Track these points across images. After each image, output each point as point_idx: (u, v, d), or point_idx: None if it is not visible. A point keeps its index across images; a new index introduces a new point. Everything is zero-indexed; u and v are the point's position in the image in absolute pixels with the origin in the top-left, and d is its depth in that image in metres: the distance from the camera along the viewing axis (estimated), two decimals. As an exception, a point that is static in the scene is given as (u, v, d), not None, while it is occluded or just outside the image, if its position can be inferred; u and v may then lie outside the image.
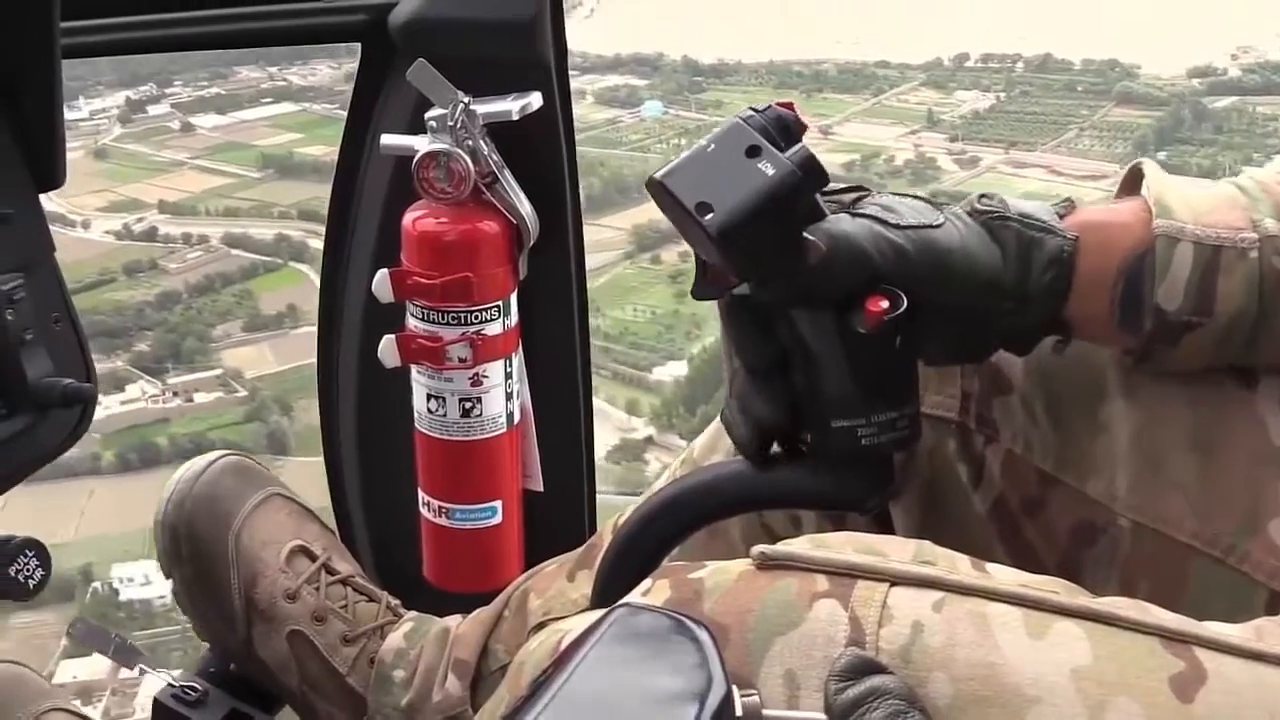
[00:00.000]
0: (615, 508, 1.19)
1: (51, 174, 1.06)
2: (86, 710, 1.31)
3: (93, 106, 5.69)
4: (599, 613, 0.60)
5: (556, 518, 1.50)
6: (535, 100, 1.33)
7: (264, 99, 5.76)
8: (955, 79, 6.50)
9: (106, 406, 4.61)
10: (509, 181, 1.31)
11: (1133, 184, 0.84)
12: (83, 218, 5.50)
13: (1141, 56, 6.05)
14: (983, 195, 0.82)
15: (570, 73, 1.41)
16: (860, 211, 0.78)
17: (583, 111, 6.27)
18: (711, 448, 1.06)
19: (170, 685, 1.30)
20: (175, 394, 4.77)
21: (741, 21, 7.01)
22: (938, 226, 0.78)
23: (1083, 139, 5.96)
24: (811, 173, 0.74)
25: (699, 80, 6.43)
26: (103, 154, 5.79)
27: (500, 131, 1.30)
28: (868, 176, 5.69)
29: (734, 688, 0.53)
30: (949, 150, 6.03)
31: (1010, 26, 6.75)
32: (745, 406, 0.81)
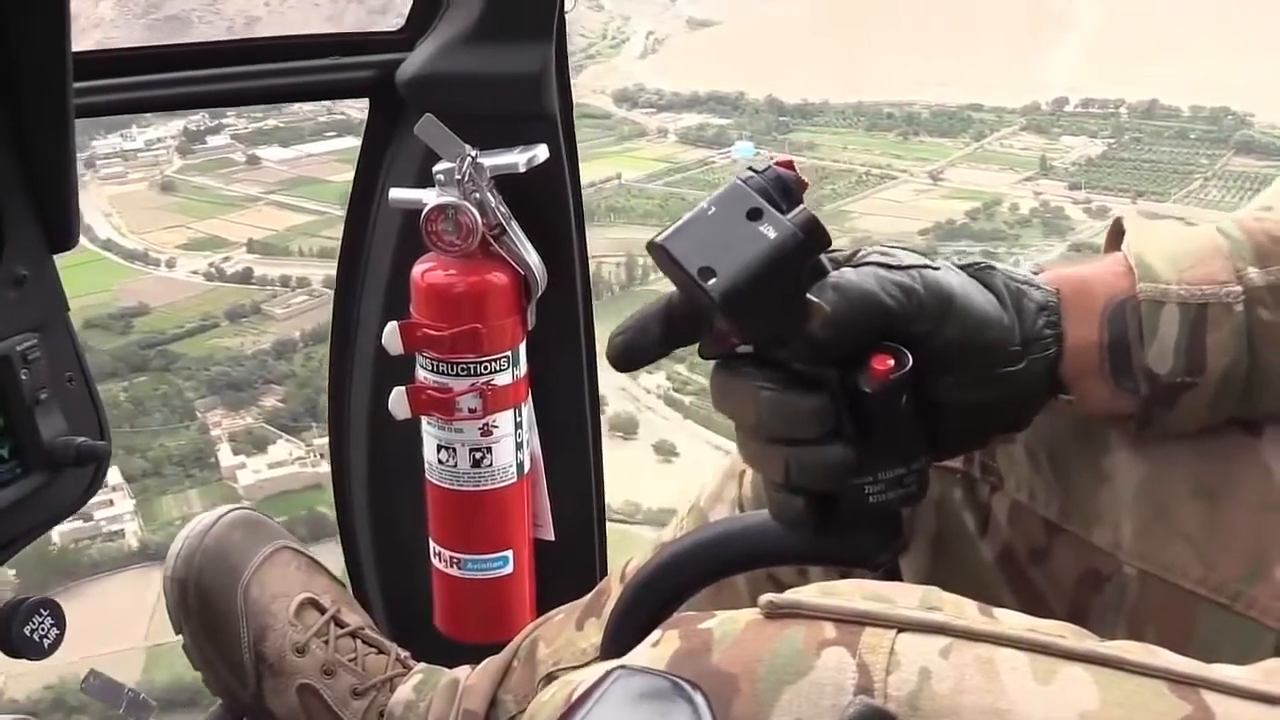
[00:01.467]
0: (624, 554, 1.19)
1: (65, 235, 1.07)
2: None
3: (147, 136, 5.44)
4: (610, 664, 0.60)
5: (567, 566, 1.50)
6: (541, 153, 1.35)
7: (326, 133, 5.51)
8: (1058, 124, 6.26)
9: (255, 470, 4.27)
10: (516, 233, 1.33)
11: (1115, 239, 0.85)
12: (166, 256, 5.15)
13: (1250, 103, 5.88)
14: (957, 253, 0.82)
15: (647, 110, 1.42)
16: (860, 262, 0.79)
17: (668, 150, 6.04)
18: (717, 497, 1.06)
19: (183, 740, 1.30)
20: (322, 456, 4.26)
21: (813, 60, 6.90)
22: (936, 268, 0.79)
23: (1209, 189, 5.73)
24: (813, 235, 0.73)
25: (785, 120, 6.25)
26: (170, 187, 5.48)
27: (507, 184, 1.31)
28: (995, 226, 5.42)
29: None
30: (1073, 199, 5.80)
31: (1088, 70, 6.61)
32: (757, 466, 0.81)
